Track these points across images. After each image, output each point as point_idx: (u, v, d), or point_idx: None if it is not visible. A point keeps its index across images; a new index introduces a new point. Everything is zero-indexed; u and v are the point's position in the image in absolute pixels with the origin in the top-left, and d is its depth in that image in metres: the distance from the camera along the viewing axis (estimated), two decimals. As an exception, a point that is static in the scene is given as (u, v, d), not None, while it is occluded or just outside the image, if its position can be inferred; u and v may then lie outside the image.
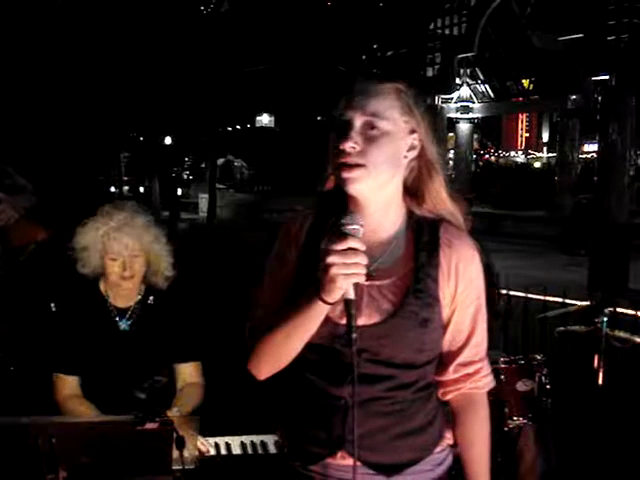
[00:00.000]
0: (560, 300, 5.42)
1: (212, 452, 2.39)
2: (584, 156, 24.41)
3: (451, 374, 1.67)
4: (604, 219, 11.35)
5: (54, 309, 2.66)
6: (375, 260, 1.56)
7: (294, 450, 1.68)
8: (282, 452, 1.79)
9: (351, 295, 1.46)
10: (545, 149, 33.16)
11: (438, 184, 1.64)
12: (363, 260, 1.44)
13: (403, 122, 1.59)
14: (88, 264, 2.62)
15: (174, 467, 1.97)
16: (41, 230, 3.50)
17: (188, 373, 2.68)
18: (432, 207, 1.65)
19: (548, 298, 5.64)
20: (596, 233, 11.39)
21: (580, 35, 16.20)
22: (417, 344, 1.58)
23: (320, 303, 1.47)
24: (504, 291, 5.78)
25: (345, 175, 1.54)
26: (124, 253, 2.57)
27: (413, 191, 1.65)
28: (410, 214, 1.65)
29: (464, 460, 1.69)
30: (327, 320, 1.53)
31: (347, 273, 1.42)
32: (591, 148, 24.26)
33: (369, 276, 1.50)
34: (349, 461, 1.57)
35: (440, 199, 1.65)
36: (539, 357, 3.12)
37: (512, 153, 34.43)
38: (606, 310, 3.30)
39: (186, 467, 2.02)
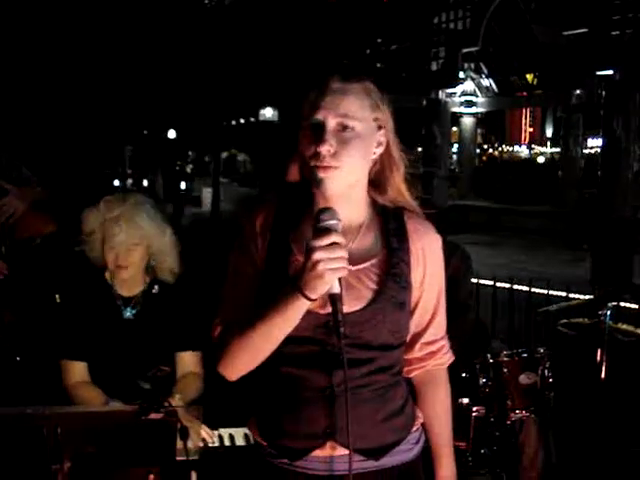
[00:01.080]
0: (563, 294, 5.43)
1: (216, 443, 2.40)
2: (588, 151, 24.34)
3: (416, 352, 1.75)
4: (608, 214, 11.34)
5: (59, 300, 2.67)
6: (347, 248, 1.56)
7: (276, 447, 1.66)
8: (257, 450, 1.73)
9: (336, 289, 1.47)
10: (549, 144, 33.05)
11: (399, 178, 1.68)
12: (345, 254, 1.46)
13: (373, 120, 1.61)
14: (94, 249, 2.65)
15: (178, 458, 1.98)
16: (47, 222, 3.51)
17: (189, 362, 2.70)
18: (393, 199, 1.69)
19: (551, 292, 5.64)
20: (600, 228, 11.38)
21: (584, 30, 16.18)
22: (395, 327, 1.63)
23: (302, 300, 1.48)
24: (507, 285, 5.81)
25: (321, 176, 1.56)
26: (119, 245, 2.58)
27: (376, 183, 1.69)
28: (374, 203, 1.69)
29: (429, 433, 1.78)
30: (308, 312, 1.53)
31: (334, 268, 1.44)
32: (595, 143, 24.19)
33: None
34: (339, 451, 1.60)
35: (400, 192, 1.69)
36: (542, 350, 3.12)
37: (516, 148, 34.32)
38: (610, 303, 3.31)
39: (190, 458, 2.02)
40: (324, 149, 1.54)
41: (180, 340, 2.69)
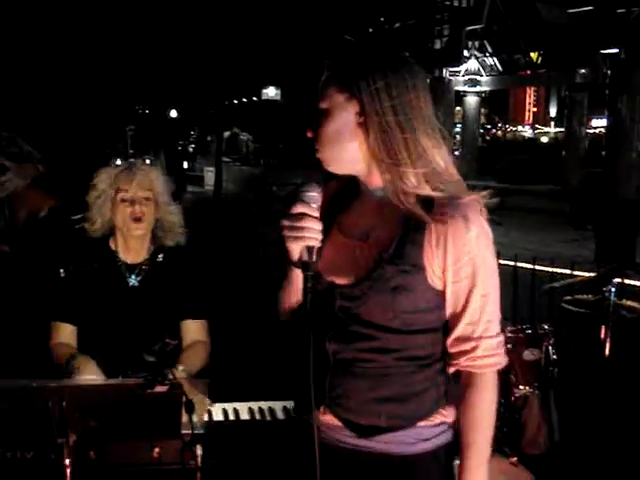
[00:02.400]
0: (568, 272, 5.42)
1: (220, 418, 2.41)
2: (592, 131, 24.26)
3: (449, 348, 1.63)
4: (612, 193, 11.32)
5: (63, 275, 2.67)
6: (366, 222, 1.63)
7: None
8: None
9: (305, 257, 1.55)
10: (553, 124, 32.94)
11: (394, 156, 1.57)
12: (315, 225, 1.53)
13: (341, 96, 1.58)
14: (98, 219, 2.65)
15: (183, 431, 1.98)
16: (48, 199, 3.50)
17: (195, 330, 2.71)
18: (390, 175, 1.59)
19: (555, 270, 5.64)
20: (604, 207, 11.36)
21: (590, 8, 16.06)
22: (389, 310, 1.56)
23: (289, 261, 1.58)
24: (511, 263, 5.80)
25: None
26: (134, 189, 2.61)
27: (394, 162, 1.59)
28: (394, 183, 1.58)
29: (459, 435, 1.65)
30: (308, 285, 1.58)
31: (294, 236, 1.53)
32: (599, 123, 24.11)
33: (351, 237, 1.62)
34: (328, 417, 1.64)
35: (398, 170, 1.58)
36: (546, 327, 3.12)
37: (519, 127, 34.22)
38: (614, 280, 3.30)
39: (195, 431, 2.02)
40: (308, 134, 1.68)
41: (186, 308, 2.70)
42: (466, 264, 1.56)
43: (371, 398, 1.62)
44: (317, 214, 1.55)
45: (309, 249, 1.54)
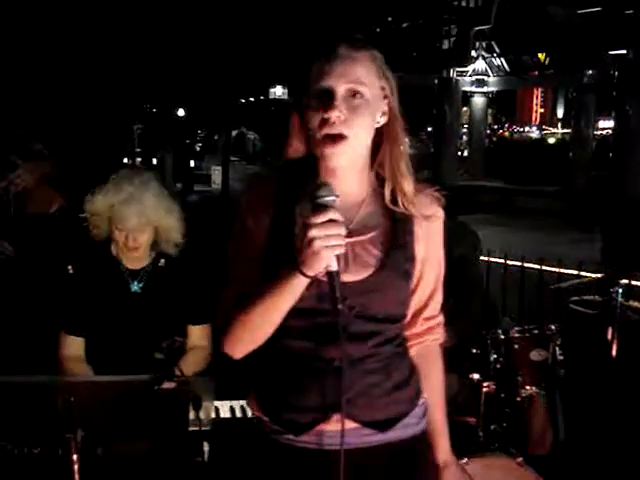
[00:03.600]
0: (575, 272, 5.42)
1: (227, 415, 2.42)
2: (599, 132, 24.19)
3: (417, 327, 1.75)
4: (619, 195, 11.29)
5: (71, 271, 2.69)
6: (353, 218, 1.59)
7: (280, 422, 1.64)
8: (258, 427, 1.70)
9: (334, 266, 1.46)
10: (560, 125, 32.88)
11: (398, 151, 1.63)
12: (343, 231, 1.44)
13: (379, 88, 1.59)
14: (98, 227, 2.65)
15: (190, 428, 1.99)
16: (57, 196, 3.52)
17: (195, 336, 2.71)
18: (392, 171, 1.64)
19: (562, 270, 5.64)
20: (611, 209, 11.33)
21: (598, 9, 16.00)
22: (401, 296, 1.64)
23: (301, 277, 1.46)
24: (518, 263, 5.80)
25: (329, 150, 1.53)
26: (129, 227, 2.58)
27: (377, 154, 1.65)
28: (377, 174, 1.66)
29: (428, 406, 1.76)
30: (313, 281, 1.50)
31: (330, 245, 1.42)
32: (606, 124, 24.06)
33: (349, 234, 1.52)
34: (345, 424, 1.56)
35: (398, 166, 1.63)
36: (553, 327, 3.12)
37: (526, 128, 34.16)
38: (621, 281, 3.30)
39: (202, 428, 2.03)
40: (334, 115, 1.51)
41: (187, 313, 2.70)
42: (438, 248, 1.72)
43: (383, 391, 1.63)
44: (341, 218, 1.45)
45: (337, 257, 1.46)
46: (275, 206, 1.62)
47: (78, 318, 2.64)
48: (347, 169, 1.60)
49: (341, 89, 1.53)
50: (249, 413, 2.45)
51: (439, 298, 1.76)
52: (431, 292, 1.73)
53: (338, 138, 1.52)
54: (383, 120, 1.62)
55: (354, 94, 1.54)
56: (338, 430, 1.56)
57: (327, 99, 1.52)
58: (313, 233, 1.41)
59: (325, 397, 1.58)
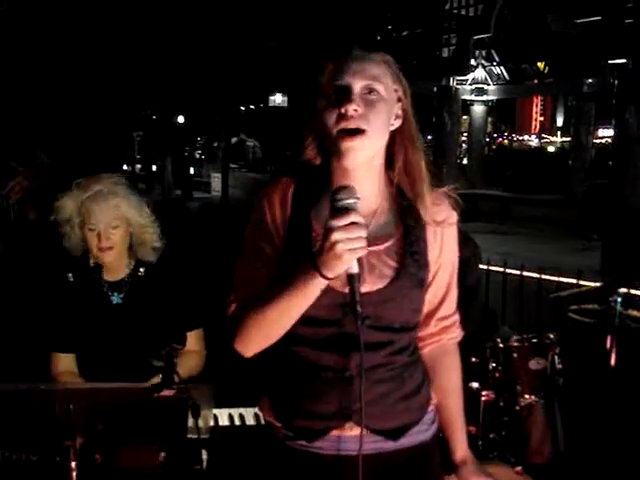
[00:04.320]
0: (574, 281, 5.42)
1: (226, 422, 2.42)
2: (598, 141, 24.19)
3: (431, 328, 1.77)
4: (619, 204, 11.28)
5: (72, 279, 2.68)
6: (367, 227, 1.56)
7: (292, 428, 1.66)
8: (269, 432, 1.72)
9: (355, 269, 1.46)
10: (559, 133, 32.88)
11: (416, 154, 1.65)
12: (364, 233, 1.44)
13: (394, 90, 1.62)
14: (71, 237, 2.62)
15: (189, 436, 1.99)
16: None
17: (189, 340, 2.69)
18: (409, 176, 1.66)
19: (562, 279, 5.64)
20: (610, 218, 11.32)
21: (597, 18, 16.04)
22: (415, 305, 1.66)
23: (320, 279, 1.46)
24: (517, 272, 5.80)
25: (346, 144, 1.54)
26: (100, 224, 2.55)
27: (391, 158, 1.67)
28: (390, 180, 1.67)
29: (443, 408, 1.79)
30: (327, 290, 1.51)
31: (352, 248, 1.42)
32: (605, 133, 24.05)
33: (370, 245, 1.52)
34: (356, 431, 1.58)
35: (418, 168, 1.66)
36: (552, 336, 3.12)
37: (526, 137, 34.16)
38: (620, 290, 3.30)
39: (201, 436, 2.03)
40: (351, 109, 1.52)
41: (179, 320, 2.68)
42: (452, 250, 1.73)
43: (395, 400, 1.64)
44: (363, 221, 1.46)
45: (358, 260, 1.46)
46: (293, 207, 1.63)
47: (65, 336, 2.63)
48: (362, 171, 1.60)
49: (358, 85, 1.56)
50: (248, 421, 2.45)
51: (453, 297, 1.78)
52: (444, 293, 1.75)
53: (356, 132, 1.53)
54: (397, 123, 1.63)
55: (370, 91, 1.56)
56: (351, 436, 1.59)
57: (344, 95, 1.54)
58: (336, 236, 1.41)
59: (337, 405, 1.61)
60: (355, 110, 1.53)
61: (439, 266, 1.70)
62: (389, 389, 1.63)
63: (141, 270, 2.69)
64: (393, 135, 1.64)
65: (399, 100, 1.63)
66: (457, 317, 1.81)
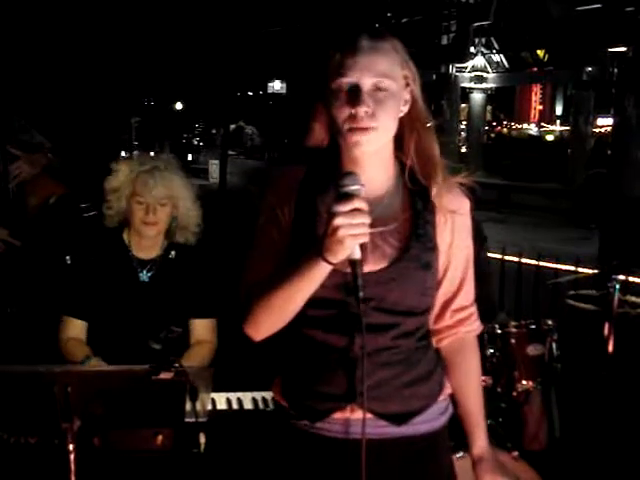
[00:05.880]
0: (572, 269, 5.43)
1: (224, 407, 2.42)
2: (597, 130, 24.16)
3: (447, 320, 1.75)
4: (617, 192, 11.28)
5: (69, 262, 2.69)
6: (374, 210, 1.57)
7: (298, 408, 1.68)
8: (278, 412, 1.76)
9: (357, 255, 1.47)
10: (558, 122, 32.83)
11: (427, 135, 1.65)
12: (367, 220, 1.45)
13: (402, 77, 1.61)
14: (113, 207, 2.65)
15: (187, 419, 1.99)
16: (58, 187, 3.52)
17: (201, 329, 2.70)
18: (420, 158, 1.65)
19: (560, 266, 5.64)
20: (609, 206, 11.32)
21: (598, 5, 15.99)
22: (421, 288, 1.63)
23: (323, 264, 1.48)
24: (516, 259, 5.81)
25: (357, 138, 1.55)
26: (150, 198, 2.59)
27: (400, 142, 1.66)
28: (400, 163, 1.67)
29: (462, 400, 1.78)
30: (332, 272, 1.52)
31: (354, 234, 1.43)
32: (605, 122, 24.00)
33: (371, 225, 1.50)
34: (359, 414, 1.58)
35: (432, 153, 1.65)
36: (550, 322, 3.12)
37: (525, 125, 34.09)
38: (618, 276, 3.30)
39: (199, 420, 2.03)
40: (362, 110, 1.53)
41: (194, 307, 2.69)
42: (465, 238, 1.71)
43: (400, 384, 1.63)
44: (366, 207, 1.46)
45: (361, 246, 1.47)
46: (299, 193, 1.64)
47: (80, 302, 2.64)
48: (371, 158, 1.61)
49: (367, 83, 1.55)
50: (245, 405, 2.45)
51: (469, 289, 1.75)
52: (458, 284, 1.72)
53: (366, 129, 1.54)
54: (406, 108, 1.63)
55: (379, 88, 1.55)
56: (355, 419, 1.60)
57: (354, 94, 1.54)
58: (338, 221, 1.43)
59: (341, 386, 1.61)
60: (366, 111, 1.53)
61: (451, 254, 1.69)
62: (394, 373, 1.62)
63: (172, 253, 2.73)
64: (402, 120, 1.64)
65: (407, 84, 1.62)
66: (474, 309, 1.77)
